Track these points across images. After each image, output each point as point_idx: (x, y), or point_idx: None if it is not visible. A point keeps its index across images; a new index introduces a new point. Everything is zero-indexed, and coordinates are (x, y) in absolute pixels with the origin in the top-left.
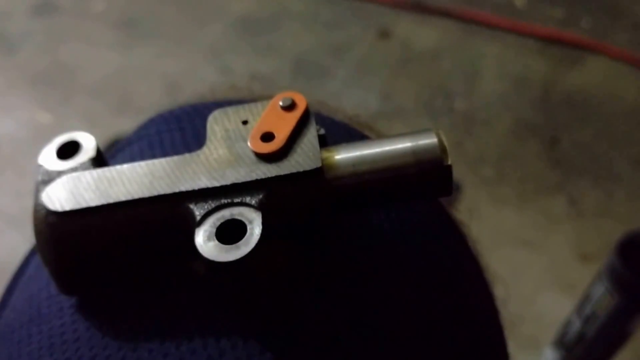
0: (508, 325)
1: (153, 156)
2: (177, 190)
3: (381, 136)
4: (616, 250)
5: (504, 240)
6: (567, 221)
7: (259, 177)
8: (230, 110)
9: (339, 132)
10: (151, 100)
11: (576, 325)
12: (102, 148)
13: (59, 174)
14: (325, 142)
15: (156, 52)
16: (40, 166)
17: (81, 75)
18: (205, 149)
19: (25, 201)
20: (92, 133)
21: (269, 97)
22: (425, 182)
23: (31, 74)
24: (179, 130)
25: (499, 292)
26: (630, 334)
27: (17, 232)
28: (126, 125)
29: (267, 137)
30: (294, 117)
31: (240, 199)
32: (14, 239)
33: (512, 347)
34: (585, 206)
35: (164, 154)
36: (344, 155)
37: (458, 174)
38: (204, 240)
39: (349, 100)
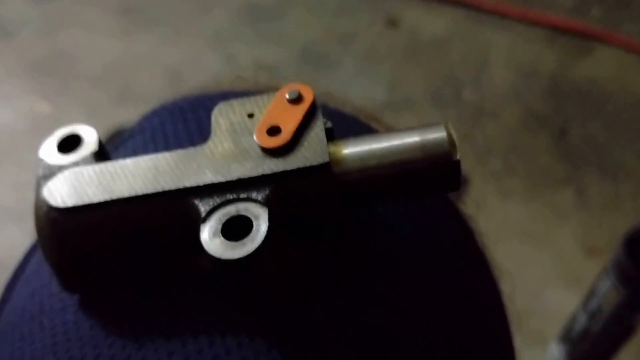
0: (514, 319)
1: (156, 148)
2: (181, 185)
3: (389, 130)
4: (623, 245)
5: (511, 234)
6: (574, 215)
7: (265, 172)
8: (235, 102)
9: (346, 124)
10: (153, 90)
11: (582, 320)
12: (103, 138)
13: (60, 168)
14: (332, 135)
15: (158, 40)
16: (41, 160)
17: (81, 63)
18: (210, 142)
19: (24, 194)
20: (92, 123)
21: (275, 89)
22: (434, 176)
23: (29, 62)
24: (182, 122)
25: (506, 286)
26: (636, 328)
27: (16, 225)
28: (127, 115)
29: (274, 130)
30: (300, 110)
31: (246, 194)
32: (13, 232)
33: (517, 342)
34: (593, 200)
35: (167, 145)
36: (351, 149)
37: (466, 166)
38: (210, 237)
39: (356, 90)
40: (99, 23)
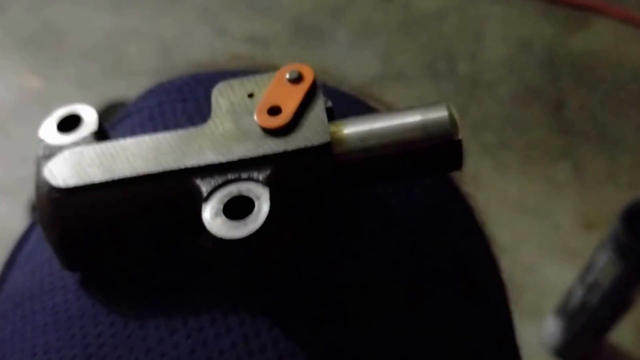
0: (510, 293)
1: (154, 127)
2: (182, 165)
3: (390, 109)
4: (621, 219)
5: (507, 207)
6: (571, 188)
7: (266, 153)
8: (235, 82)
9: (345, 103)
10: (145, 63)
11: (579, 293)
12: (97, 111)
13: (60, 148)
14: (332, 115)
15: (149, 13)
16: (41, 140)
17: (72, 37)
18: (210, 123)
19: (15, 168)
20: (84, 96)
21: (274, 68)
22: (435, 156)
23: (20, 36)
24: (180, 101)
25: (503, 260)
26: (633, 302)
27: (7, 199)
28: (119, 88)
29: (274, 111)
30: (301, 90)
31: (248, 174)
32: (4, 206)
33: (514, 316)
34: (590, 173)
35: (165, 125)
36: (352, 129)
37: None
38: (211, 217)
39: (349, 63)
40: None
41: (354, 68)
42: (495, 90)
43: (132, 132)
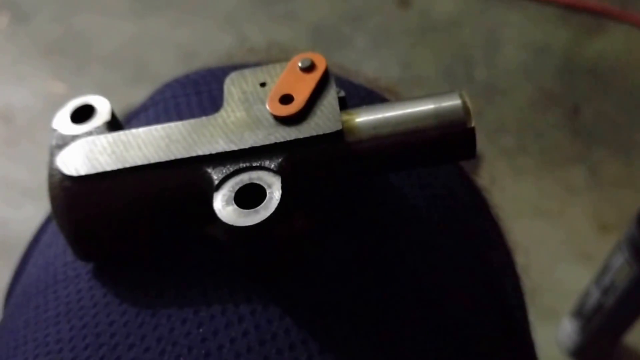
0: (527, 295)
1: (169, 120)
2: (194, 154)
3: (403, 98)
4: (636, 221)
5: (523, 211)
6: (587, 191)
7: (277, 141)
8: (247, 72)
9: (358, 95)
10: (166, 70)
11: (595, 295)
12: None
13: (74, 138)
14: (345, 104)
15: (171, 22)
16: (55, 130)
17: (95, 44)
18: (222, 111)
19: (41, 172)
20: None
21: (287, 60)
22: (448, 144)
23: (45, 43)
24: (195, 95)
25: (520, 260)
26: None
27: (33, 203)
28: (141, 95)
29: (286, 99)
30: (313, 78)
31: (259, 162)
32: (30, 210)
33: (530, 318)
34: (605, 177)
35: (180, 118)
36: (364, 117)
37: (478, 144)
38: (223, 205)
39: (368, 69)
40: (112, 5)
41: (373, 73)
42: (512, 95)
43: (148, 125)
